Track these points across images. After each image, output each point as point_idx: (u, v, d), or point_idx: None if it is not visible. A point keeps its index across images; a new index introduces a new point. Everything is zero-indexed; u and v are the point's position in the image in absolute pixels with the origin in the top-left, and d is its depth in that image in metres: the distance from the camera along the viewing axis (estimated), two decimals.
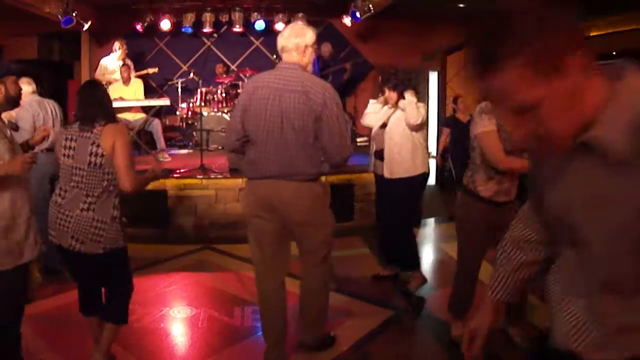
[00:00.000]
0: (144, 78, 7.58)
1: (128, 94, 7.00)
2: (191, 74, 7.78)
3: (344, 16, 7.85)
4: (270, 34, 7.96)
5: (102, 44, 8.21)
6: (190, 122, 7.87)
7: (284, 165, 2.68)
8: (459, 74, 8.09)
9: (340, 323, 3.45)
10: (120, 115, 6.73)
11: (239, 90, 7.76)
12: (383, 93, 3.97)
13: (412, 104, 3.73)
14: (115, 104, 6.31)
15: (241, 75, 8.28)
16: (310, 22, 6.79)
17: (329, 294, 3.08)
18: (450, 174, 6.95)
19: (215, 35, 8.02)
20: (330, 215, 2.93)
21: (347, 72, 7.95)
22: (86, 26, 7.20)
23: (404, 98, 3.81)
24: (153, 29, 8.17)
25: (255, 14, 8.11)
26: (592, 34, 8.33)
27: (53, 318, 3.45)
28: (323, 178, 3.08)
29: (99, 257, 2.57)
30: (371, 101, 4.20)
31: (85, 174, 2.53)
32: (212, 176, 5.56)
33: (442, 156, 7.39)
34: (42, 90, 4.39)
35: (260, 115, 2.67)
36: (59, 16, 6.49)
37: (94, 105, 2.60)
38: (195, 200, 5.47)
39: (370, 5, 7.04)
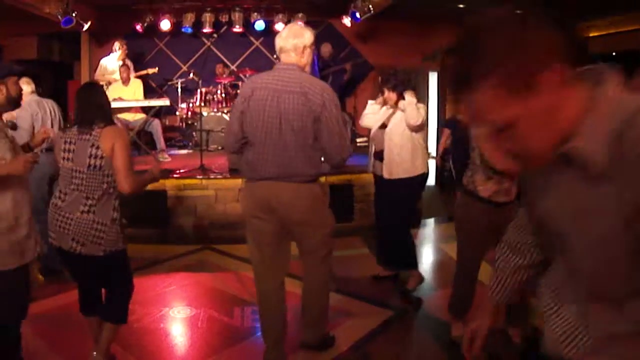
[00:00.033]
0: (143, 78, 7.58)
1: (127, 94, 7.00)
2: (191, 74, 7.78)
3: (344, 16, 7.85)
4: (270, 34, 7.96)
5: (102, 44, 8.21)
6: (190, 122, 7.87)
7: (283, 167, 2.67)
8: None
9: (340, 323, 3.45)
10: (120, 116, 6.74)
11: (238, 91, 7.75)
12: (382, 94, 3.97)
13: (412, 105, 3.72)
14: (114, 104, 6.38)
15: (241, 75, 8.28)
16: (310, 23, 6.80)
17: (329, 294, 3.08)
18: (451, 174, 6.95)
19: (215, 35, 8.02)
20: (330, 215, 2.93)
21: (347, 72, 7.95)
22: (86, 26, 7.19)
23: (403, 99, 3.81)
24: (153, 29, 8.17)
25: (255, 14, 8.10)
26: (592, 34, 8.33)
27: (53, 318, 3.45)
28: (323, 178, 3.07)
29: (99, 259, 2.57)
30: (370, 102, 4.20)
31: (85, 176, 2.53)
32: (212, 176, 5.56)
33: (442, 157, 7.39)
34: (42, 91, 4.39)
35: (259, 116, 2.67)
36: (59, 16, 6.49)
37: (92, 108, 2.60)
38: (195, 201, 5.47)
39: (370, 6, 7.04)
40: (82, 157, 2.53)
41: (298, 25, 2.93)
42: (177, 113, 7.96)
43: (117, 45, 7.37)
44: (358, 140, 7.83)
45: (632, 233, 0.88)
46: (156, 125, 6.87)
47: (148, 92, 7.77)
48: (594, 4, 6.81)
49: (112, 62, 7.37)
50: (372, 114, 4.10)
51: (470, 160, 2.99)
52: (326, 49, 7.89)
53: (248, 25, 8.27)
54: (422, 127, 3.89)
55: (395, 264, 4.20)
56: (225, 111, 7.60)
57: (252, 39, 8.71)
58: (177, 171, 5.73)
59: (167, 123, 8.22)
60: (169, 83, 8.09)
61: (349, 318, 3.56)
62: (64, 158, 2.60)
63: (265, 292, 2.90)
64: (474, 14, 0.94)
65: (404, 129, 3.81)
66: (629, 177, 0.86)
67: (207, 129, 7.38)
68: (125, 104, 6.72)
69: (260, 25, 8.15)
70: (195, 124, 7.63)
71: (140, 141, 7.00)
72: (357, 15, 7.38)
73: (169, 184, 5.43)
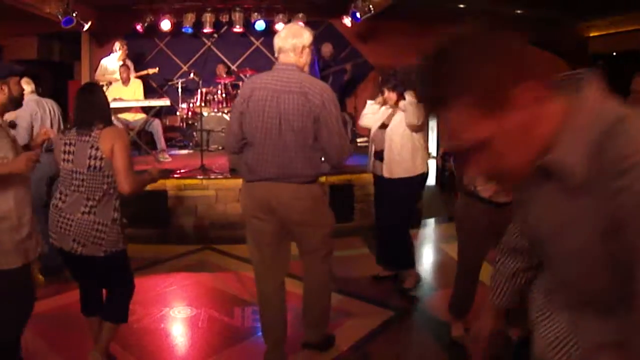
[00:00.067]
0: (144, 78, 7.58)
1: (127, 94, 7.00)
2: (191, 74, 7.78)
3: (344, 17, 7.85)
4: (270, 34, 7.90)
5: (102, 44, 8.21)
6: (190, 122, 7.87)
7: (283, 167, 2.67)
8: None
9: (340, 323, 3.45)
10: (120, 116, 6.74)
11: (239, 91, 7.75)
12: (382, 94, 3.97)
13: (413, 105, 3.73)
14: (115, 105, 6.38)
15: (241, 75, 8.28)
16: (311, 23, 6.81)
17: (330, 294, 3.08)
18: (452, 174, 6.95)
19: (215, 35, 8.01)
20: (330, 214, 2.93)
21: (347, 72, 7.95)
22: (86, 26, 7.19)
23: (404, 99, 3.81)
24: (153, 29, 8.16)
25: (256, 14, 8.10)
26: (592, 34, 8.33)
27: (53, 318, 3.46)
28: (323, 178, 3.08)
29: (99, 260, 2.58)
30: (369, 102, 4.20)
31: (85, 177, 2.54)
32: (212, 176, 5.56)
33: (442, 157, 7.38)
34: (42, 91, 4.39)
35: (258, 117, 2.66)
36: (59, 16, 6.49)
37: (91, 109, 2.60)
38: (195, 201, 5.47)
39: (371, 6, 7.04)
40: (82, 158, 2.54)
41: (297, 25, 2.93)
42: (178, 113, 7.96)
43: (117, 45, 7.37)
44: (358, 140, 7.82)
45: (607, 247, 0.87)
46: (156, 126, 6.87)
47: (148, 92, 7.76)
48: (594, 4, 6.81)
49: (112, 62, 7.37)
50: (372, 114, 4.10)
51: None
52: (327, 49, 7.89)
53: (248, 25, 8.27)
54: (423, 127, 3.89)
55: (393, 263, 4.20)
56: (226, 111, 7.60)
57: (252, 39, 8.71)
58: (178, 171, 5.73)
59: (167, 123, 8.22)
60: (170, 83, 8.08)
61: (349, 318, 3.56)
62: (64, 160, 2.61)
63: (266, 292, 2.90)
64: (447, 31, 0.92)
65: (404, 129, 3.81)
66: (607, 192, 0.84)
67: (207, 129, 7.38)
68: (125, 104, 6.72)
69: (260, 25, 8.14)
70: (196, 124, 7.63)
71: (141, 141, 7.00)
72: (358, 15, 7.38)
73: (169, 184, 5.43)
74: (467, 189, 2.97)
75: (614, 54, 8.12)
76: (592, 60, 8.38)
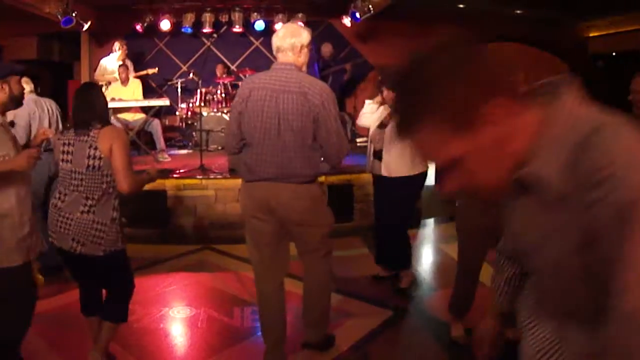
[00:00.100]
0: (143, 78, 7.58)
1: (126, 94, 7.00)
2: (191, 74, 7.78)
3: (344, 17, 7.84)
4: (270, 35, 7.82)
5: (102, 44, 8.20)
6: (189, 122, 7.87)
7: (282, 167, 2.66)
8: None
9: (340, 323, 3.45)
10: (120, 116, 6.74)
11: (237, 91, 7.75)
12: (382, 93, 3.97)
13: None
14: (114, 104, 6.38)
15: (241, 75, 8.28)
16: (310, 23, 6.81)
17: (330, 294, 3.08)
18: None
19: (215, 35, 7.99)
20: (329, 214, 2.92)
21: (347, 72, 7.95)
22: (86, 26, 7.18)
23: None
24: (153, 29, 8.16)
25: (255, 14, 8.10)
26: (592, 34, 8.33)
27: (53, 318, 3.45)
28: (322, 178, 3.08)
29: (99, 259, 2.58)
30: (367, 102, 4.19)
31: (84, 177, 2.54)
32: (212, 176, 5.56)
33: None
34: (40, 90, 4.39)
35: (257, 117, 2.66)
36: (59, 16, 6.48)
37: (89, 109, 2.60)
38: (194, 201, 5.46)
39: (370, 6, 7.04)
40: (80, 158, 2.54)
41: (295, 25, 2.92)
42: (177, 113, 7.96)
43: (117, 45, 7.37)
44: (358, 140, 7.83)
45: (583, 260, 0.87)
46: (156, 125, 6.87)
47: (148, 92, 7.77)
48: (594, 4, 6.81)
49: (112, 62, 7.37)
50: (370, 113, 4.10)
51: None
52: (327, 49, 7.89)
53: (248, 25, 8.27)
54: None
55: (392, 263, 4.19)
56: (225, 111, 7.60)
57: (252, 39, 8.71)
58: (177, 171, 5.73)
59: (167, 123, 8.22)
60: (169, 83, 8.09)
61: (349, 318, 3.56)
62: (62, 160, 2.61)
63: (265, 292, 2.90)
64: (414, 51, 0.92)
65: None
66: (582, 204, 0.83)
67: (207, 129, 7.38)
68: (124, 104, 6.72)
69: (260, 25, 8.14)
70: (195, 124, 7.64)
71: (140, 141, 7.00)
72: (357, 15, 7.38)
73: (169, 184, 5.43)
74: None
75: (614, 54, 8.12)
76: (592, 60, 8.39)
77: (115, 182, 2.57)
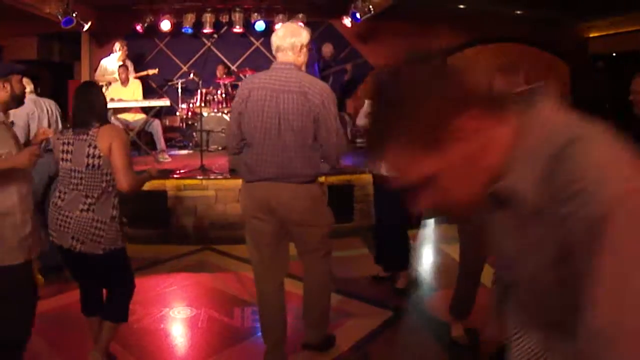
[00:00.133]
0: (143, 79, 7.58)
1: (126, 94, 7.01)
2: (191, 75, 7.79)
3: (344, 17, 7.85)
4: (270, 35, 7.88)
5: (102, 45, 8.21)
6: (190, 122, 7.87)
7: (282, 167, 2.66)
8: None
9: (341, 323, 3.45)
10: (120, 116, 6.75)
11: (237, 91, 7.75)
12: None
13: None
14: (114, 105, 6.38)
15: (241, 75, 8.28)
16: (311, 23, 6.81)
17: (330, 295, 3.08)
18: None
19: (215, 35, 8.02)
20: (329, 214, 2.92)
21: (347, 73, 7.95)
22: (86, 27, 7.19)
23: None
24: (153, 30, 8.17)
25: (256, 14, 8.10)
26: (592, 35, 8.34)
27: (53, 318, 3.45)
28: (322, 178, 3.08)
29: (98, 258, 2.58)
30: (367, 101, 4.20)
31: (84, 176, 2.55)
32: (212, 177, 5.56)
33: None
34: (40, 91, 4.39)
35: (257, 116, 2.66)
36: (59, 16, 6.49)
37: (87, 109, 2.61)
38: (195, 201, 5.46)
39: (371, 6, 7.04)
40: (80, 157, 2.55)
41: (295, 24, 2.92)
42: (178, 113, 7.97)
43: (117, 45, 7.38)
44: (358, 140, 7.82)
45: (558, 274, 0.86)
46: (156, 126, 6.87)
47: (148, 93, 7.77)
48: (594, 5, 6.81)
49: (112, 62, 7.38)
50: None
51: None
52: (328, 49, 7.89)
53: (248, 25, 8.27)
54: None
55: (392, 263, 4.19)
56: (226, 112, 7.60)
57: (252, 39, 8.71)
58: (177, 171, 5.73)
59: (167, 123, 8.22)
60: (169, 83, 8.09)
61: (349, 318, 3.56)
62: (62, 159, 2.62)
63: (265, 292, 2.90)
64: (382, 69, 0.92)
65: None
66: (556, 218, 0.82)
67: (207, 129, 7.38)
68: (124, 105, 6.73)
69: (260, 25, 8.15)
70: (196, 124, 7.64)
71: (141, 141, 7.01)
72: (358, 15, 7.38)
73: (169, 184, 5.43)
74: None
75: (614, 54, 8.13)
76: (592, 60, 8.39)
77: (115, 181, 2.58)
